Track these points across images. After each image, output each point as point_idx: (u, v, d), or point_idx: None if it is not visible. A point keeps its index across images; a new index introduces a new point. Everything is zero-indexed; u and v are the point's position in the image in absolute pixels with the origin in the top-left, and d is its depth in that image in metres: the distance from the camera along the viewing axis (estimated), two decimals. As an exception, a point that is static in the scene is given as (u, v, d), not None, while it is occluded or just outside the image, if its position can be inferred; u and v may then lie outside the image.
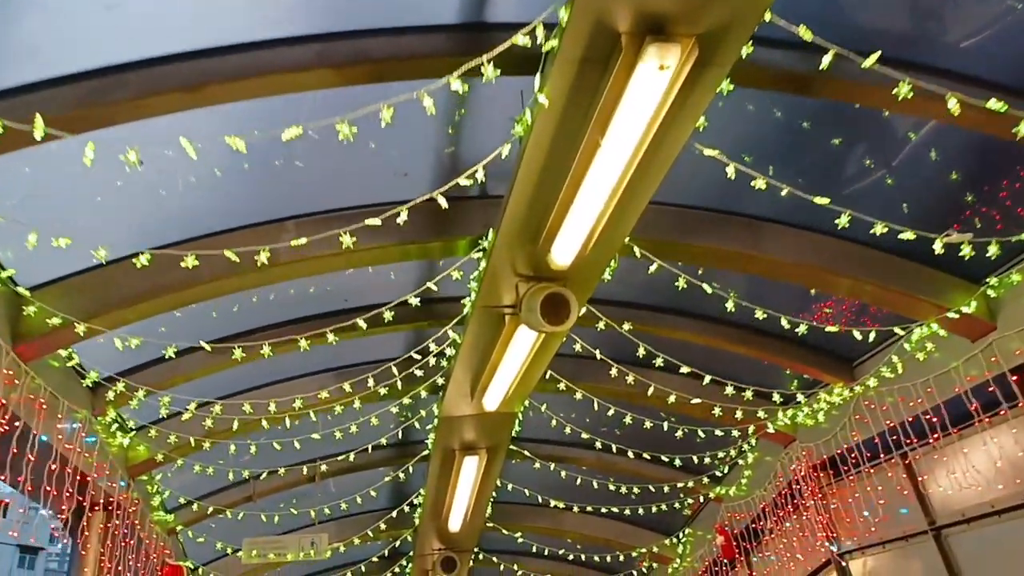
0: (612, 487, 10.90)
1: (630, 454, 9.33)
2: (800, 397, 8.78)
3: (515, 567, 12.80)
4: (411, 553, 12.16)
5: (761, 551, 9.84)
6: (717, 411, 8.47)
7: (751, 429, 8.79)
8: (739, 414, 8.51)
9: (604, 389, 8.61)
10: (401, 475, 9.83)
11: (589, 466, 10.65)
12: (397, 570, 12.37)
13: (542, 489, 12.16)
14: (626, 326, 7.22)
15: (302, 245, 5.34)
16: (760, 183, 4.79)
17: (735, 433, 9.23)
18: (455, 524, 10.80)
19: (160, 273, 5.48)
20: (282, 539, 9.79)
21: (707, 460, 10.22)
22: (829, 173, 6.21)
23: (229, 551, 9.93)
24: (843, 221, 5.05)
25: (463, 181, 4.57)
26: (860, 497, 7.92)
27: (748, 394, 8.51)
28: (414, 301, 6.51)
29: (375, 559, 11.51)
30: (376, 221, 4.81)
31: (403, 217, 4.74)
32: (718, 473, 10.31)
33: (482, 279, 6.05)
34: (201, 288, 5.74)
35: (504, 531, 11.70)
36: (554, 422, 8.96)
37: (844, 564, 8.33)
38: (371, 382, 7.46)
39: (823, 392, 8.36)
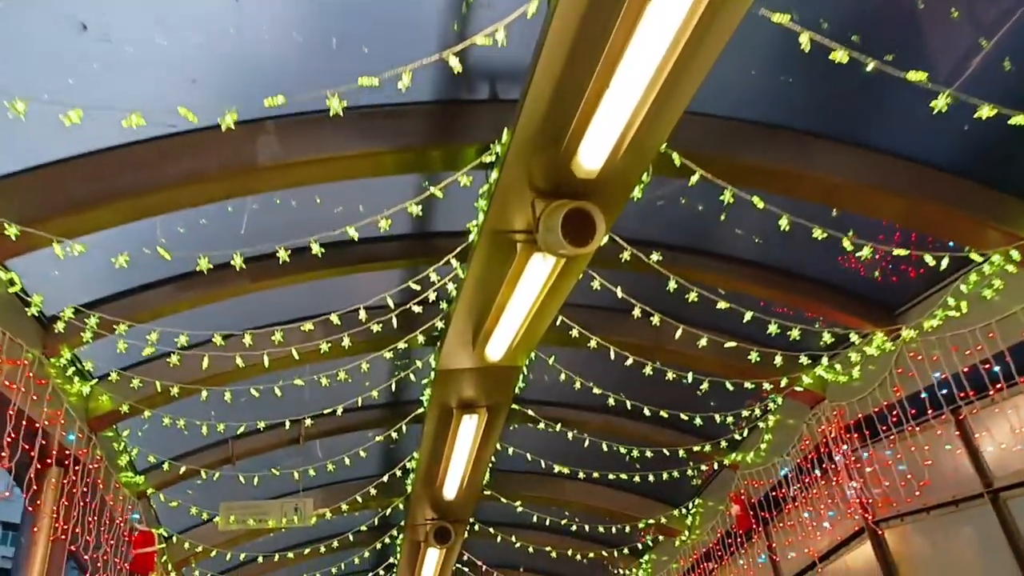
0: (619, 453, 10.16)
1: (647, 411, 8.52)
2: (823, 357, 8.03)
3: (513, 538, 12.04)
4: (402, 523, 11.38)
5: (782, 521, 9.11)
6: (752, 358, 7.71)
7: (783, 382, 8.01)
8: (775, 361, 7.71)
9: (618, 341, 7.81)
10: (393, 434, 9.03)
11: (595, 430, 9.86)
12: (387, 541, 11.59)
13: (543, 455, 11.42)
14: (654, 256, 6.39)
15: (278, 151, 4.52)
16: (840, 55, 3.96)
17: (766, 386, 8.45)
18: (450, 491, 10.02)
19: (119, 174, 4.63)
20: (263, 504, 9.00)
21: (724, 423, 9.49)
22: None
23: (205, 516, 9.11)
24: (940, 103, 4.22)
25: (480, 40, 3.72)
26: (902, 458, 7.17)
27: (777, 358, 7.77)
28: (414, 209, 5.56)
29: (363, 528, 10.71)
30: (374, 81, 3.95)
31: (405, 81, 3.89)
32: (737, 437, 9.55)
33: (492, 195, 5.22)
34: (167, 194, 4.87)
35: (503, 499, 10.93)
36: (563, 376, 8.16)
37: (880, 533, 7.60)
38: (362, 314, 6.60)
39: (861, 343, 7.58)
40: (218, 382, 7.29)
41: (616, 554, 12.15)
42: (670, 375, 9.22)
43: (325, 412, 8.10)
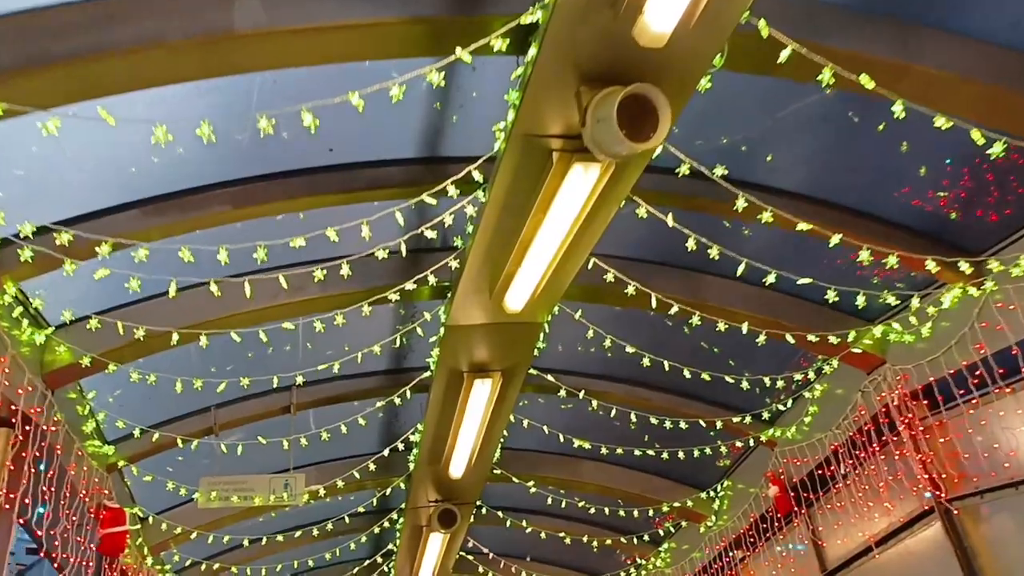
0: (641, 429, 9.22)
1: (685, 372, 7.54)
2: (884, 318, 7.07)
3: (524, 523, 11.07)
4: (403, 506, 10.40)
5: (830, 502, 8.14)
6: (800, 317, 6.78)
7: (835, 341, 7.05)
8: (827, 319, 6.75)
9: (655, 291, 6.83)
10: (397, 400, 8.03)
11: (617, 402, 8.87)
12: (387, 524, 10.61)
13: (557, 432, 10.46)
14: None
15: (260, 16, 3.53)
16: None
17: (813, 349, 7.52)
18: (457, 469, 9.04)
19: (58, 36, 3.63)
20: (249, 479, 8.01)
21: (762, 393, 8.54)
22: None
23: (183, 492, 8.12)
24: None
25: None
26: (987, 425, 6.22)
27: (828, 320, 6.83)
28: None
29: (361, 509, 9.72)
30: None
31: None
32: (781, 407, 8.57)
33: (527, 82, 4.23)
34: (118, 62, 3.86)
35: (514, 479, 9.94)
36: (591, 333, 7.18)
37: (954, 513, 6.64)
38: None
39: (936, 294, 6.62)
40: (192, 333, 6.27)
41: (635, 541, 11.18)
42: (702, 343, 8.34)
43: (319, 368, 7.03)
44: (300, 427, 8.86)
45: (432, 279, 6.22)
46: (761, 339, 6.93)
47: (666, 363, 7.34)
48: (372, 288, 6.34)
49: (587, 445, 8.95)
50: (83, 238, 5.10)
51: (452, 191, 5.11)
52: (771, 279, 5.91)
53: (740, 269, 5.83)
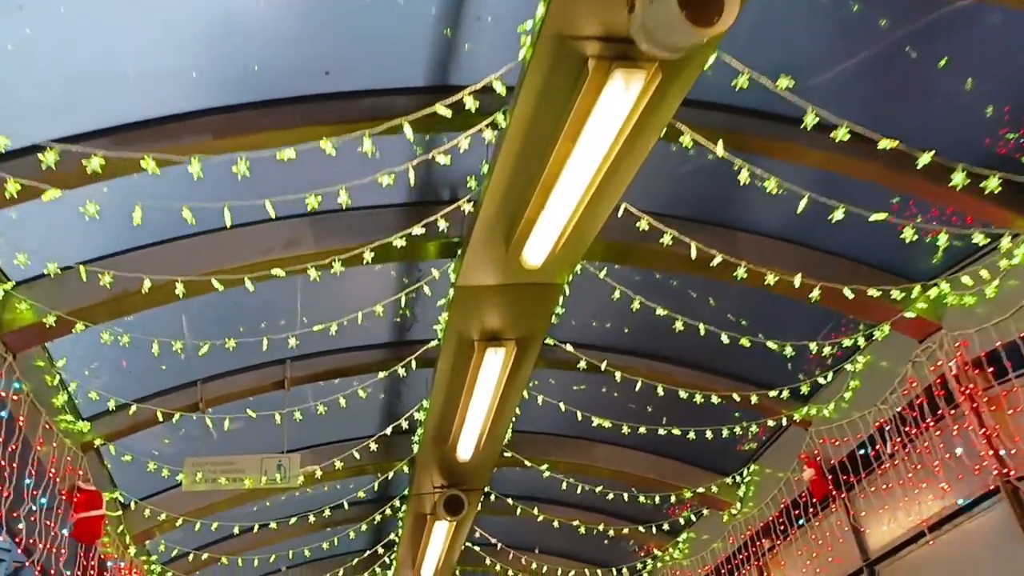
0: (658, 410, 8.57)
1: (721, 338, 6.83)
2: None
3: (535, 511, 10.38)
4: (406, 492, 9.71)
5: (873, 484, 7.45)
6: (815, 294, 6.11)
7: (898, 297, 6.35)
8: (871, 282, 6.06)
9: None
10: (401, 370, 7.32)
11: (639, 375, 8.16)
12: (388, 512, 9.91)
13: (568, 413, 9.78)
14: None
15: None
16: None
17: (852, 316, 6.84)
18: (465, 451, 8.35)
19: None
20: (238, 459, 7.31)
21: (797, 366, 7.86)
22: None
23: (166, 473, 7.40)
24: None
25: None
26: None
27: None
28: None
29: (361, 494, 9.00)
30: None
31: None
32: (821, 380, 7.85)
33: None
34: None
35: (526, 462, 9.24)
36: (616, 294, 6.46)
37: (1022, 493, 5.95)
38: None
39: (1006, 247, 5.92)
40: (167, 280, 5.54)
41: (653, 530, 10.47)
42: (729, 315, 7.67)
43: (315, 329, 6.32)
44: (295, 404, 8.17)
45: (443, 224, 5.49)
46: (812, 296, 6.18)
47: (701, 326, 6.60)
48: (373, 241, 5.62)
49: (607, 424, 8.22)
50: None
51: (470, 104, 4.38)
52: (839, 214, 5.13)
53: (802, 205, 5.01)
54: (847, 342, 6.96)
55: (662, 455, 9.96)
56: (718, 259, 5.84)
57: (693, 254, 5.67)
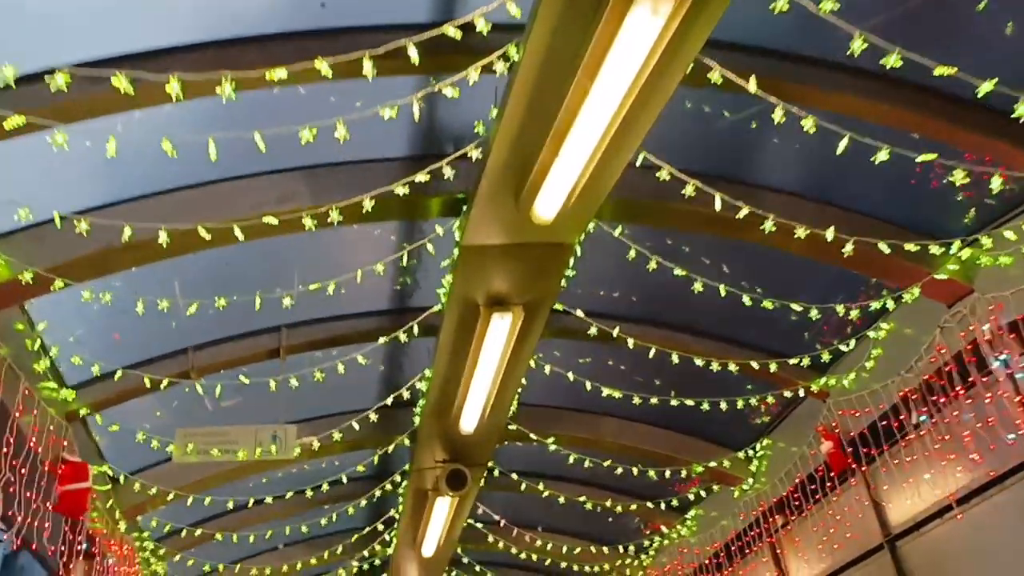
0: (667, 383, 8.23)
1: (747, 300, 6.47)
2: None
3: (540, 487, 10.06)
4: (406, 467, 9.39)
5: (896, 457, 7.12)
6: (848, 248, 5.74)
7: (914, 258, 6.00)
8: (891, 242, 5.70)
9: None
10: (402, 336, 6.97)
11: (653, 343, 7.81)
12: (389, 487, 9.59)
13: (574, 387, 9.45)
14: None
15: None
16: None
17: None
18: (468, 423, 8.01)
19: None
20: (231, 430, 6.96)
21: (813, 336, 7.53)
22: None
23: (155, 444, 7.06)
24: None
25: None
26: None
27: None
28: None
29: (360, 468, 8.67)
30: None
31: None
32: (843, 348, 7.48)
33: None
34: None
35: (531, 436, 8.91)
36: (632, 254, 6.08)
37: (1063, 462, 5.64)
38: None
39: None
40: (150, 229, 5.16)
41: (662, 507, 10.17)
42: (743, 281, 7.32)
43: (312, 288, 5.95)
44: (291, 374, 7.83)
45: (448, 171, 5.11)
46: (844, 251, 5.79)
47: (722, 288, 6.24)
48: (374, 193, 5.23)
49: (617, 394, 7.87)
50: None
51: (481, 26, 3.99)
52: (883, 155, 4.70)
53: (842, 145, 4.60)
54: (876, 305, 6.58)
55: (671, 429, 9.65)
56: (744, 211, 5.45)
57: (718, 205, 5.27)
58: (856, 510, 7.74)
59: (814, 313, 6.54)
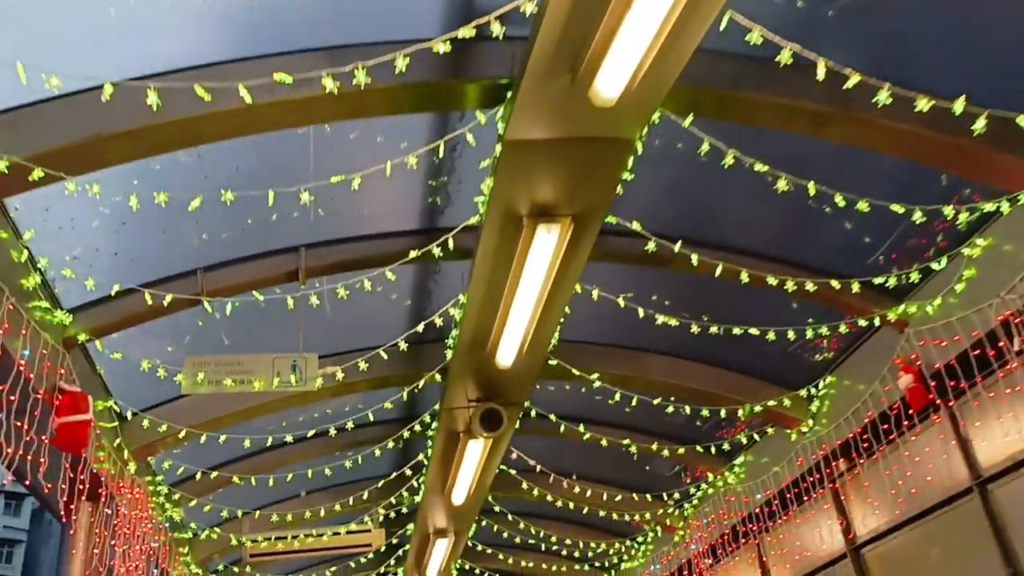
0: (717, 311, 7.44)
1: (840, 199, 5.59)
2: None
3: (581, 429, 9.35)
4: (437, 406, 8.70)
5: (992, 389, 6.31)
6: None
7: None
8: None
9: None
10: (435, 251, 6.19)
11: (718, 261, 7.01)
12: (418, 428, 8.92)
13: (617, 322, 8.68)
14: None
15: None
16: None
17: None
18: (506, 356, 7.28)
19: None
20: (246, 359, 6.28)
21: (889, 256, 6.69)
22: None
23: (161, 373, 6.36)
24: None
25: None
26: None
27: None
28: None
29: (388, 405, 7.94)
30: None
31: None
32: (934, 265, 6.64)
33: None
34: None
35: (574, 372, 8.16)
36: (705, 147, 5.23)
37: None
38: None
39: None
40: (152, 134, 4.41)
41: (713, 451, 9.45)
42: (810, 202, 6.50)
43: (333, 182, 5.16)
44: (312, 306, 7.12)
45: (496, 29, 4.27)
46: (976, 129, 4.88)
47: (811, 184, 5.36)
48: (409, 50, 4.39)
49: (673, 322, 7.08)
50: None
51: None
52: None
53: None
54: (988, 207, 5.71)
55: (723, 367, 8.88)
56: (854, 80, 4.56)
57: (820, 73, 4.40)
58: (939, 451, 6.96)
59: (918, 216, 5.62)
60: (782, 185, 5.15)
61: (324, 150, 5.77)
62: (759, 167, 5.03)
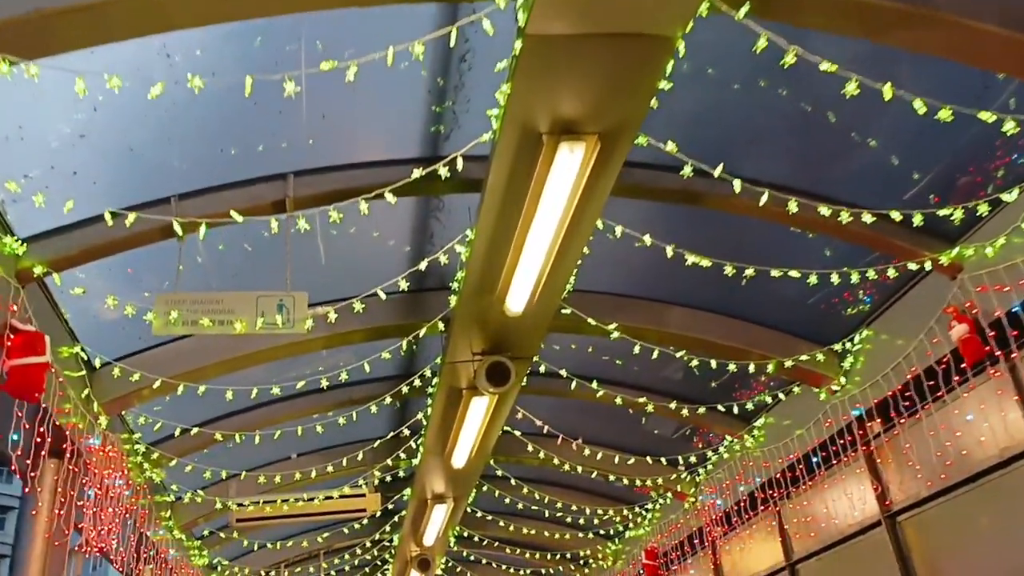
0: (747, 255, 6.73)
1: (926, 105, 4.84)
2: None
3: (594, 385, 8.68)
4: (439, 359, 8.00)
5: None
6: None
7: None
8: None
9: None
10: (442, 172, 5.42)
11: (731, 208, 6.32)
12: (417, 383, 8.22)
13: (633, 273, 8.00)
14: None
15: None
16: None
17: None
18: (517, 300, 6.56)
19: None
20: (226, 296, 5.54)
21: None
22: None
23: (129, 311, 5.61)
24: None
25: None
26: None
27: None
28: None
29: (385, 356, 7.19)
30: None
31: None
32: (1008, 196, 5.94)
33: None
34: None
35: (590, 321, 7.46)
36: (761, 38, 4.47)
37: None
38: None
39: None
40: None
41: (735, 410, 8.80)
42: (853, 133, 5.83)
43: (323, 69, 4.37)
44: (299, 241, 6.39)
45: None
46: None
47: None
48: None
49: (705, 262, 6.36)
50: None
51: None
52: None
53: None
54: None
55: (749, 320, 8.20)
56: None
57: None
58: (995, 408, 6.29)
59: (1009, 124, 4.87)
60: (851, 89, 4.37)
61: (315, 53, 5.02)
62: (827, 66, 4.23)
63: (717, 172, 5.33)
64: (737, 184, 5.34)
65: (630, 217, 6.62)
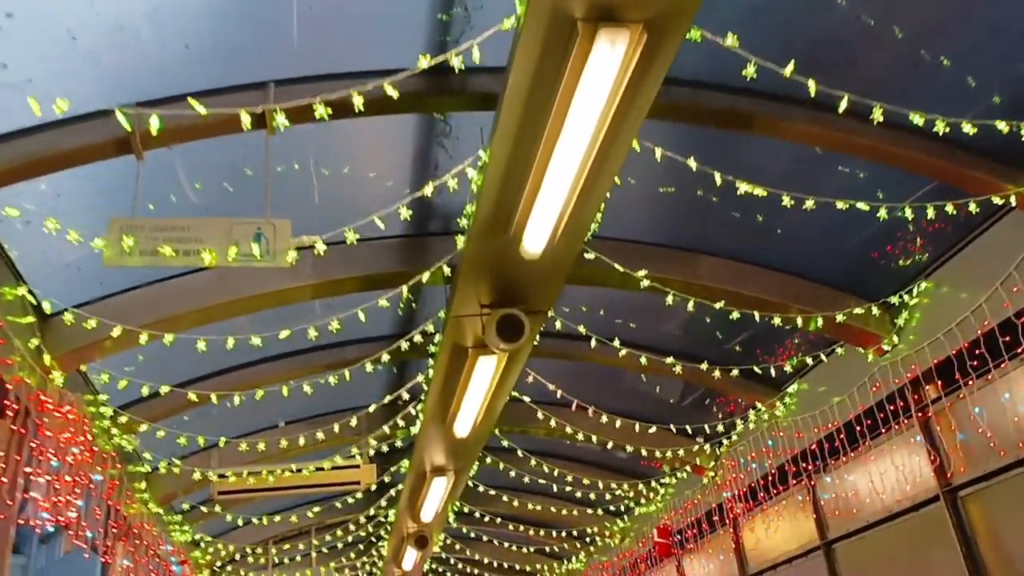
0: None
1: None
2: None
3: (616, 344, 7.80)
4: (441, 313, 7.09)
5: None
6: None
7: None
8: None
9: None
10: (454, 62, 4.47)
11: (793, 136, 5.42)
12: (419, 339, 7.32)
13: (659, 222, 7.14)
14: None
15: None
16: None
17: None
18: (536, 240, 5.64)
19: None
20: (194, 223, 4.61)
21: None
22: None
23: (72, 236, 4.66)
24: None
25: None
26: None
27: None
28: None
29: (383, 304, 6.23)
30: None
31: None
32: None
33: None
34: None
35: (616, 267, 6.56)
36: None
37: None
38: None
39: None
40: None
41: (773, 373, 7.94)
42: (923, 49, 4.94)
43: None
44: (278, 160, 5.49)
45: None
46: None
47: None
48: None
49: (760, 191, 5.43)
50: None
51: None
52: None
53: None
54: None
55: (789, 272, 7.33)
56: None
57: None
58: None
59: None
60: None
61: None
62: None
63: (789, 71, 4.38)
64: (812, 86, 4.40)
65: (662, 138, 5.73)
